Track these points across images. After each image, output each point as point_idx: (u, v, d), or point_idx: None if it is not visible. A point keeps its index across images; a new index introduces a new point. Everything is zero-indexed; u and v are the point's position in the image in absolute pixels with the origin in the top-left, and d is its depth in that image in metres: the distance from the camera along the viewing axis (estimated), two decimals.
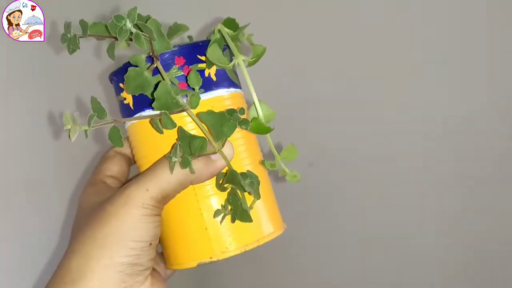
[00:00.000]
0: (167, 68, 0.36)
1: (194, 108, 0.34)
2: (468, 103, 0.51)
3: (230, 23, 0.38)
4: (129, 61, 0.35)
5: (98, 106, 0.33)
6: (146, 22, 0.32)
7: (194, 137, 0.33)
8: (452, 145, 0.53)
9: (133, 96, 0.37)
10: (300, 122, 0.56)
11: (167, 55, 0.36)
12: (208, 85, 0.37)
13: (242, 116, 0.34)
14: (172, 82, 0.35)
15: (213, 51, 0.35)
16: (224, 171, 0.36)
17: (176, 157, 0.33)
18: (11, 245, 0.45)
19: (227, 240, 0.36)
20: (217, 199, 0.37)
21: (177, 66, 0.36)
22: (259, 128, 0.34)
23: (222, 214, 0.36)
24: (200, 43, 0.37)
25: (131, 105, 0.38)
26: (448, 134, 0.53)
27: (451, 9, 0.49)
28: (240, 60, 0.34)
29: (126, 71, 0.35)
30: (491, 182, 0.52)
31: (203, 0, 0.60)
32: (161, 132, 0.34)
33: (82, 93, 0.58)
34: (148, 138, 0.37)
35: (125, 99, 0.38)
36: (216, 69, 0.38)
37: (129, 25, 0.31)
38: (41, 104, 0.51)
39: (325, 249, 0.63)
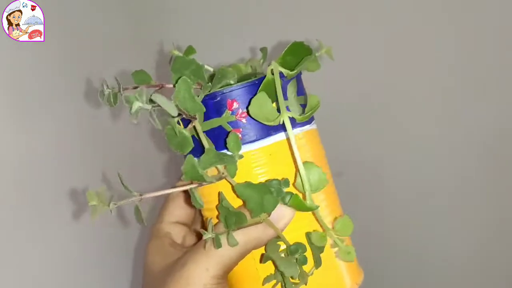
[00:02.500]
0: (219, 112, 0.32)
1: (232, 177, 0.31)
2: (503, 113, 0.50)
3: (298, 49, 0.33)
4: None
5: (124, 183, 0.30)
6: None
7: (230, 212, 0.30)
8: (486, 155, 0.52)
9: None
10: (328, 130, 0.56)
11: (218, 98, 0.32)
12: (266, 129, 0.32)
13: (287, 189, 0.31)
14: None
15: (257, 104, 0.31)
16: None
17: (210, 234, 0.30)
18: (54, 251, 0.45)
19: None
20: None
21: (229, 110, 0.32)
22: (300, 206, 0.30)
23: (274, 281, 0.33)
24: (256, 82, 0.32)
25: None
26: (481, 144, 0.52)
27: (491, 21, 0.48)
28: (286, 118, 0.29)
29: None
30: None
31: (237, 28, 0.58)
32: (201, 207, 0.32)
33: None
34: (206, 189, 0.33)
35: None
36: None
37: (139, 106, 0.29)
38: (82, 114, 0.52)
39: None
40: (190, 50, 0.37)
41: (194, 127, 0.31)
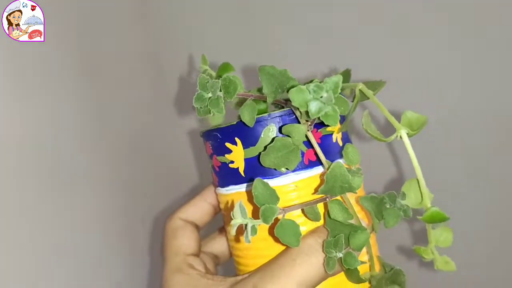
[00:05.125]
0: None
1: (356, 191, 0.28)
2: None
3: (345, 75, 0.34)
4: (240, 120, 0.30)
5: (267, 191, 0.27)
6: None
7: (358, 228, 0.28)
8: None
9: (247, 162, 0.31)
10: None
11: (293, 116, 0.30)
12: (335, 151, 0.32)
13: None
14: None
15: (368, 122, 0.28)
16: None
17: (339, 252, 0.28)
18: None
19: None
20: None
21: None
22: (436, 218, 0.27)
23: None
24: None
25: (241, 171, 0.32)
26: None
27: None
28: (403, 133, 0.26)
29: (237, 129, 0.31)
30: None
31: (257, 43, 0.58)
32: (318, 220, 0.29)
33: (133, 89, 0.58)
34: None
35: (231, 162, 0.32)
36: (342, 133, 0.33)
37: (327, 98, 0.25)
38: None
39: None
40: (226, 67, 0.35)
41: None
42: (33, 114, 0.44)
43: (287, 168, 0.30)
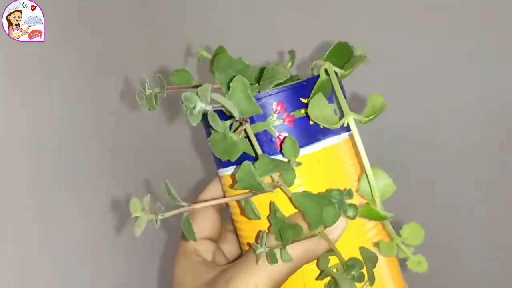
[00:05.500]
0: (263, 115, 0.30)
1: (289, 186, 0.28)
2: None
3: (342, 49, 0.32)
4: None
5: (171, 191, 0.29)
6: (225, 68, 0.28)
7: (285, 225, 0.28)
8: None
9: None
10: None
11: (263, 100, 0.30)
12: (313, 134, 0.31)
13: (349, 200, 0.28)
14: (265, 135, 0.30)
15: (316, 105, 0.28)
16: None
17: (263, 248, 0.28)
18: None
19: None
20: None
21: (275, 113, 0.30)
22: (372, 215, 0.27)
23: None
24: (304, 83, 0.30)
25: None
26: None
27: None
28: (351, 120, 0.26)
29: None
30: None
31: (262, 32, 0.57)
32: (257, 218, 0.29)
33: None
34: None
35: None
36: None
37: (202, 107, 0.24)
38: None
39: None
40: (220, 50, 0.35)
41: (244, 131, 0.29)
42: (33, 114, 0.44)
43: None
